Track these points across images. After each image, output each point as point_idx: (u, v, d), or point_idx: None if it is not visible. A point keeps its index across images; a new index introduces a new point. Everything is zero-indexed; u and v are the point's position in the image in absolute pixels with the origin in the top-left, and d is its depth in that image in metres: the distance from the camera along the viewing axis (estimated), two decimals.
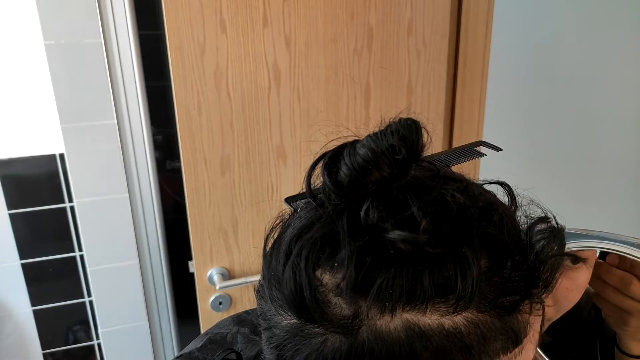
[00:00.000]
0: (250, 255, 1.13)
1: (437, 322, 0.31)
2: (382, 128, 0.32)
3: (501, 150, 0.42)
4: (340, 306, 0.31)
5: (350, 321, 0.31)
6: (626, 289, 0.58)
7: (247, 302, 1.17)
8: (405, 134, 0.32)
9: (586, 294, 0.62)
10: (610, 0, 1.53)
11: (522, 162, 1.61)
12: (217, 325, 0.62)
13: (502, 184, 0.38)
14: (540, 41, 1.51)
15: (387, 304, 0.30)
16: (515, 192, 0.37)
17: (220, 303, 1.15)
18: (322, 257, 0.32)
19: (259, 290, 0.37)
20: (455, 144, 1.26)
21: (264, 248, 0.37)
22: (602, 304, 0.62)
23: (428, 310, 0.31)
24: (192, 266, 1.16)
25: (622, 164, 1.76)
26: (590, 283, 0.60)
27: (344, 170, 0.32)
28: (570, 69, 1.57)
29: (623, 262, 0.58)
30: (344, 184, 0.32)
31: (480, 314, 0.32)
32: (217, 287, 1.09)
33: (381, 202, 0.31)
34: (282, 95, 1.04)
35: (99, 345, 1.35)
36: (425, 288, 0.30)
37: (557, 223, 0.37)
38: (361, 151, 0.31)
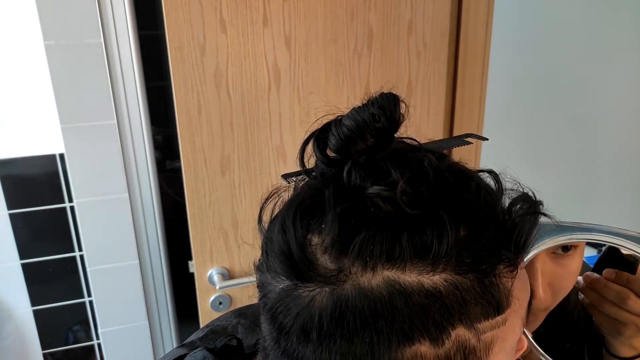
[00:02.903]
0: (250, 255, 1.13)
1: (416, 280, 0.33)
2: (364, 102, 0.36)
3: (487, 139, 0.44)
4: (327, 263, 0.33)
5: (335, 274, 0.33)
6: (623, 302, 0.60)
7: (247, 302, 1.17)
8: (383, 104, 0.35)
9: (576, 294, 0.63)
10: (611, 0, 1.53)
11: (522, 161, 1.62)
12: (219, 318, 0.63)
13: (490, 172, 0.39)
14: (540, 41, 1.51)
15: (368, 260, 0.32)
16: (501, 179, 0.39)
17: (220, 303, 1.15)
18: (312, 223, 0.34)
19: (259, 266, 0.39)
20: None
21: (259, 217, 0.39)
22: (597, 315, 0.63)
23: (407, 269, 0.33)
24: (192, 266, 1.16)
25: (622, 164, 1.76)
26: (587, 295, 0.62)
27: (332, 142, 0.35)
28: (570, 69, 1.57)
29: (619, 278, 0.60)
30: (333, 154, 0.35)
31: (458, 277, 0.33)
32: (217, 287, 1.09)
33: (364, 168, 0.34)
34: (282, 95, 1.04)
35: (99, 345, 1.35)
36: (403, 247, 0.32)
37: (535, 197, 0.38)
38: (346, 122, 0.35)
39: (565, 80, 1.58)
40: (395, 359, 0.33)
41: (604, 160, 1.73)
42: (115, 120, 1.15)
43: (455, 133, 1.24)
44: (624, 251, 0.55)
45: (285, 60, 1.02)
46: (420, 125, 1.16)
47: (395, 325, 0.32)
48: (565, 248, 0.59)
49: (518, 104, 1.56)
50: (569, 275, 0.60)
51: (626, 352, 0.63)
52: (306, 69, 1.04)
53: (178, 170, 1.40)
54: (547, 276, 0.59)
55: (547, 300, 0.60)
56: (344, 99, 1.08)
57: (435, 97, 1.15)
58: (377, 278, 0.32)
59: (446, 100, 1.20)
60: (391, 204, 0.32)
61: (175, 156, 1.41)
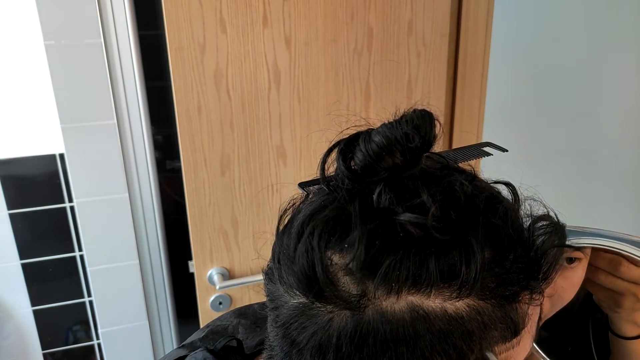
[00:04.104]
0: (250, 255, 1.13)
1: (440, 306, 0.32)
2: (397, 117, 0.34)
3: (507, 151, 0.43)
4: (349, 285, 0.32)
5: (357, 299, 0.32)
6: (616, 270, 0.59)
7: (247, 302, 1.17)
8: (419, 123, 0.33)
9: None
10: (611, 1, 1.53)
11: (521, 162, 1.61)
12: (219, 318, 0.63)
13: (507, 184, 0.39)
14: (540, 41, 1.51)
15: (393, 285, 0.31)
16: (519, 192, 0.38)
17: (220, 303, 1.15)
18: (332, 240, 0.33)
19: (268, 273, 0.38)
20: (455, 144, 1.26)
21: (277, 228, 0.38)
22: (595, 289, 0.63)
23: (432, 294, 0.32)
24: (192, 266, 1.16)
25: (622, 164, 1.76)
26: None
27: (358, 156, 0.33)
28: (570, 69, 1.57)
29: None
30: (358, 170, 0.34)
31: (481, 302, 0.33)
32: (217, 287, 1.09)
33: (393, 188, 0.33)
34: (282, 95, 1.04)
35: (99, 345, 1.35)
36: (430, 272, 0.31)
37: (558, 220, 0.38)
38: (376, 138, 0.33)
39: (565, 80, 1.58)
40: None
41: (604, 160, 1.73)
42: (115, 120, 1.15)
43: (456, 133, 1.24)
44: (629, 257, 0.55)
45: (285, 60, 1.02)
46: None
47: (417, 351, 0.32)
48: (570, 260, 0.58)
49: (518, 104, 1.56)
50: (571, 287, 0.60)
51: (631, 330, 0.62)
52: (306, 69, 1.04)
53: (178, 170, 1.40)
54: (549, 289, 0.59)
55: (544, 310, 0.60)
56: (344, 99, 1.08)
57: (435, 97, 1.15)
58: (401, 303, 0.32)
59: (446, 100, 1.20)
60: (422, 230, 0.31)
61: (175, 156, 1.41)
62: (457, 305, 0.32)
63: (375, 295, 0.32)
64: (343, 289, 0.32)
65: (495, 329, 0.34)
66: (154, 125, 1.24)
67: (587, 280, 0.63)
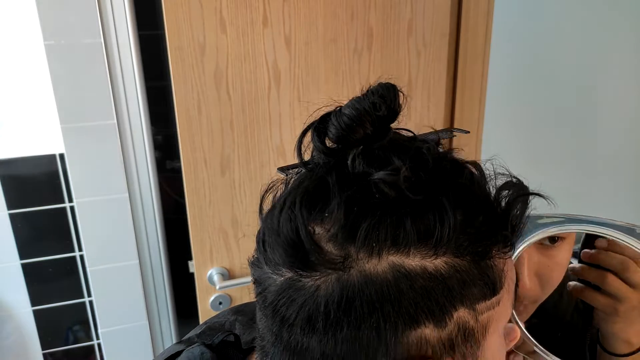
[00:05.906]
0: (250, 256, 1.13)
1: (420, 264, 0.34)
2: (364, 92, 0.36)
3: (469, 132, 0.45)
4: (332, 250, 0.34)
5: (341, 261, 0.34)
6: (626, 270, 0.59)
7: (246, 301, 1.17)
8: (384, 93, 0.36)
9: (569, 295, 0.63)
10: (611, 1, 1.53)
11: (521, 161, 1.61)
12: (216, 315, 0.64)
13: (473, 163, 0.40)
14: (540, 41, 1.51)
15: (374, 246, 0.33)
16: (483, 168, 0.40)
17: (220, 303, 1.15)
18: (313, 212, 0.35)
19: (254, 262, 0.40)
20: (455, 144, 1.26)
21: (260, 209, 0.40)
22: (592, 298, 0.62)
23: (411, 253, 0.34)
24: (192, 266, 1.16)
25: (622, 164, 1.76)
26: (586, 276, 0.61)
27: (332, 131, 0.36)
28: (570, 69, 1.57)
29: (613, 246, 0.60)
30: (333, 143, 0.36)
31: (457, 259, 0.34)
32: (217, 287, 1.09)
33: (365, 157, 0.35)
34: (282, 95, 1.04)
35: (99, 345, 1.35)
36: (408, 232, 0.33)
37: (519, 180, 0.40)
38: (346, 111, 0.36)
39: (564, 79, 1.58)
40: (400, 344, 0.34)
41: (603, 159, 1.73)
42: (115, 120, 1.15)
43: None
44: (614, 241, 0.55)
45: (285, 60, 1.02)
46: (420, 125, 1.16)
47: (402, 310, 0.33)
48: (553, 239, 0.59)
49: (518, 104, 1.56)
50: (557, 266, 0.61)
51: (622, 348, 0.62)
52: (306, 69, 1.04)
53: (178, 170, 1.40)
54: (533, 266, 0.60)
55: (534, 290, 0.60)
56: (344, 99, 1.08)
57: (435, 96, 1.15)
58: (383, 264, 0.33)
59: (446, 100, 1.20)
60: (395, 189, 0.33)
61: (175, 156, 1.41)
62: (435, 263, 0.34)
63: (357, 257, 0.33)
64: (327, 253, 0.34)
65: (474, 286, 0.35)
66: (154, 125, 1.24)
67: (583, 290, 0.63)
